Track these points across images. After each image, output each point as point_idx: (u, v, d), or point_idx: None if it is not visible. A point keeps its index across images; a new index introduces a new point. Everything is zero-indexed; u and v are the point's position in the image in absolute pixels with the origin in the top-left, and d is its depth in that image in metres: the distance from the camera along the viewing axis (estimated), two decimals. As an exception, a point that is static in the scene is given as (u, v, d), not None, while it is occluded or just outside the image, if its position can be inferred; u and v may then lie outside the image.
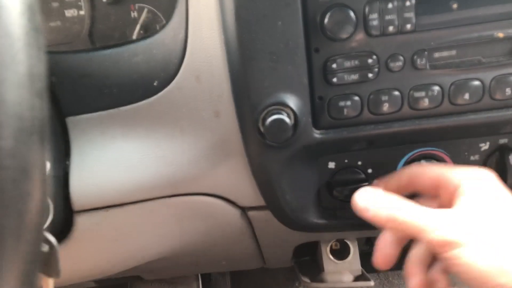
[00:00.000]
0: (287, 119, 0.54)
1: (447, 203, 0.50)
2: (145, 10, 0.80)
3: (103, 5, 0.81)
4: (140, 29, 0.80)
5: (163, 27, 0.71)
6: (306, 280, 0.92)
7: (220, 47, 0.59)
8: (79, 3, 0.80)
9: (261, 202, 0.65)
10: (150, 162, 0.62)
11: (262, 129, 0.57)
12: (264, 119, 0.57)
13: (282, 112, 0.57)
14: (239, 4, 0.55)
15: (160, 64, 0.61)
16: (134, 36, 0.80)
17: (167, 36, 0.61)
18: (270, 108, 0.57)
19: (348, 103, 0.58)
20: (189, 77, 0.60)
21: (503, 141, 0.63)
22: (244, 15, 0.55)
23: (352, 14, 0.54)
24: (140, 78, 0.60)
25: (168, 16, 0.78)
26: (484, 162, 0.64)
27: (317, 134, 0.59)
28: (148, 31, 0.80)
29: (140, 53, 0.61)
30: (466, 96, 0.57)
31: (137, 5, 0.81)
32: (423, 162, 0.66)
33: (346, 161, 0.66)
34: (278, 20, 0.55)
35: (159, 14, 0.79)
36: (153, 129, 0.62)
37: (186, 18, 0.60)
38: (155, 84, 0.60)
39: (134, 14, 0.81)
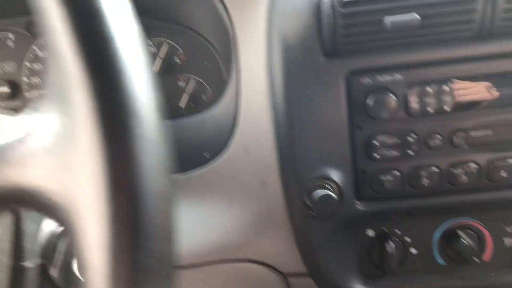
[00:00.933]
0: (333, 195, 0.58)
1: None
2: (193, 81, 0.86)
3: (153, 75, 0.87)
4: (189, 99, 0.86)
5: (214, 101, 0.77)
6: None
7: (269, 123, 0.63)
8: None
9: (302, 269, 0.68)
10: (199, 228, 0.65)
11: (308, 201, 0.60)
12: (310, 192, 0.60)
13: (326, 185, 0.60)
14: (288, 86, 0.60)
15: (212, 137, 0.66)
16: (182, 105, 0.86)
17: (220, 112, 0.66)
18: (315, 181, 0.60)
19: (389, 177, 0.61)
20: (238, 150, 0.65)
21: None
22: (292, 96, 0.60)
23: (393, 96, 0.59)
24: (193, 149, 0.65)
25: (216, 88, 0.85)
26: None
27: (359, 206, 0.62)
28: (195, 100, 0.86)
29: (193, 126, 0.66)
30: (503, 173, 0.60)
31: (185, 75, 0.87)
32: (458, 231, 0.68)
33: (384, 229, 0.69)
34: (324, 100, 0.60)
35: (206, 85, 0.85)
36: (203, 197, 0.66)
37: (237, 96, 0.65)
38: (207, 156, 0.65)
39: (182, 84, 0.87)
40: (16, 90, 0.88)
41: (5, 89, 0.86)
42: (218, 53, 0.83)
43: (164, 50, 0.87)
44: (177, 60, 0.88)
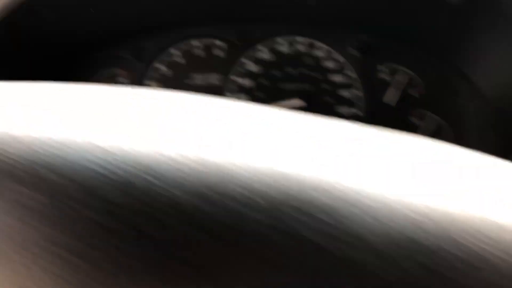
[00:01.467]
0: None
1: None
2: (431, 120, 0.72)
3: (382, 106, 0.74)
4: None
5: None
6: None
7: None
8: (359, 103, 0.74)
9: None
10: None
11: None
12: None
13: None
14: None
15: None
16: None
17: None
18: None
19: None
20: None
21: None
22: None
23: None
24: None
25: (459, 132, 0.71)
26: None
27: None
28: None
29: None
30: None
31: (419, 111, 0.73)
32: None
33: None
34: None
35: (449, 128, 0.72)
36: None
37: None
38: None
39: (415, 120, 0.74)
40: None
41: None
42: (479, 93, 0.69)
43: (401, 79, 0.74)
44: (414, 93, 0.74)
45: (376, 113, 0.75)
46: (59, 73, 0.77)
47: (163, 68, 0.77)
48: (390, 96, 0.73)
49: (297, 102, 0.74)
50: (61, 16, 0.68)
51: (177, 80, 0.77)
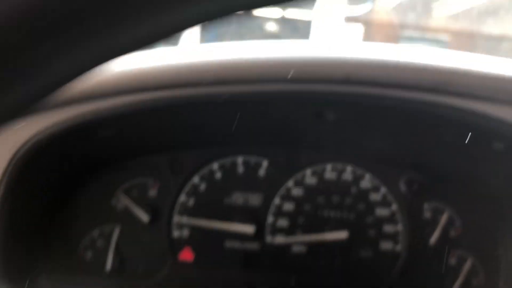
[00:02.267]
0: None
1: None
2: (469, 263, 0.73)
3: (423, 244, 0.74)
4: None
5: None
6: None
7: None
8: (401, 240, 0.73)
9: None
10: None
11: None
12: None
13: None
14: None
15: None
16: (454, 290, 0.73)
17: None
18: None
19: None
20: None
21: None
22: None
23: None
24: None
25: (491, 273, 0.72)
26: None
27: None
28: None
29: None
30: None
31: (459, 253, 0.74)
32: None
33: None
34: None
35: (481, 269, 0.73)
36: None
37: None
38: None
39: (453, 263, 0.75)
40: (258, 231, 0.72)
41: (248, 228, 0.70)
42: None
43: (444, 219, 0.75)
44: (453, 232, 0.75)
45: (416, 252, 0.75)
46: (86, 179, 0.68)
47: (201, 183, 0.71)
48: (432, 236, 0.73)
49: (342, 234, 0.72)
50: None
51: (215, 197, 0.71)
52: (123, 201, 0.70)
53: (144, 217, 0.69)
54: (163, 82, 0.54)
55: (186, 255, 0.71)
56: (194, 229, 0.71)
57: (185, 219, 0.71)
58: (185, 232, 0.71)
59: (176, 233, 0.71)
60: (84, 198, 0.70)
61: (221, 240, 0.72)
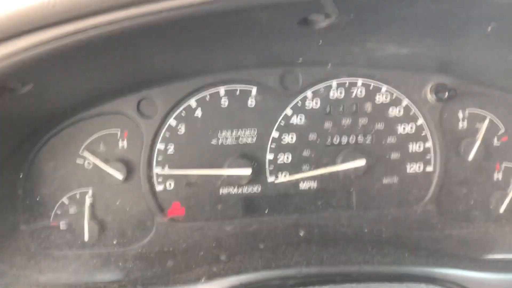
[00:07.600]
0: None
1: None
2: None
3: (459, 159, 0.61)
4: None
5: None
6: None
7: None
8: (427, 156, 0.60)
9: None
10: None
11: None
12: None
13: None
14: None
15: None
16: (500, 210, 0.61)
17: None
18: None
19: None
20: None
21: None
22: None
23: None
24: None
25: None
26: None
27: None
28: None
29: None
30: None
31: (506, 165, 0.62)
32: None
33: None
34: None
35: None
36: None
37: None
38: None
39: (497, 177, 0.62)
40: (256, 171, 0.60)
41: (244, 170, 0.58)
42: None
43: (484, 127, 0.61)
44: (496, 142, 0.62)
45: (453, 171, 0.62)
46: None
47: (179, 125, 0.58)
48: (472, 149, 0.60)
49: (358, 162, 0.59)
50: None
51: (199, 140, 0.59)
52: (90, 159, 0.59)
53: (117, 174, 0.58)
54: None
55: (176, 211, 0.60)
56: (179, 181, 0.60)
57: (166, 170, 0.59)
58: (170, 186, 0.60)
59: (159, 188, 0.60)
60: (45, 161, 0.59)
61: (214, 188, 0.60)
